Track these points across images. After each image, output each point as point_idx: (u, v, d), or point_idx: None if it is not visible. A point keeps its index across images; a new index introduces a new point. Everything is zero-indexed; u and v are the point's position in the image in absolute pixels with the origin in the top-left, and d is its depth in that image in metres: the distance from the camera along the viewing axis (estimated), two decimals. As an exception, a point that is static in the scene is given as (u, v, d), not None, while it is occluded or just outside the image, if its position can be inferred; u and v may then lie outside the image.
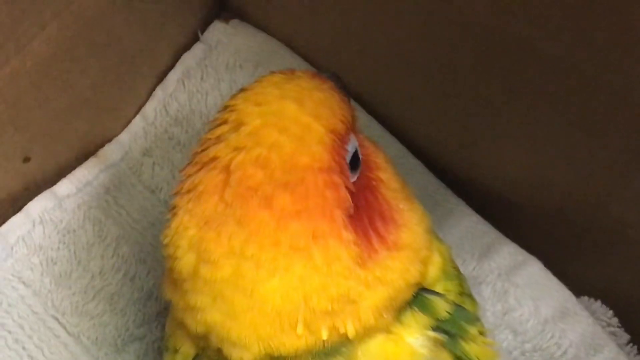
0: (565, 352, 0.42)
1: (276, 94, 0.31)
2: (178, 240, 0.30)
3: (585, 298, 0.45)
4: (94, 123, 0.45)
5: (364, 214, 0.31)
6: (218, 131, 0.31)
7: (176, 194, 0.31)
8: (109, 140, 0.46)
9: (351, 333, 0.29)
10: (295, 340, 0.29)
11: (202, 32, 0.49)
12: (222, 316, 0.29)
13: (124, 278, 0.43)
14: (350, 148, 0.31)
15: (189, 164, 0.31)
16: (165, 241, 0.30)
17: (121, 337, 0.42)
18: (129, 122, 0.47)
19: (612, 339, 0.43)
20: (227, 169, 0.29)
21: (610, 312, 0.44)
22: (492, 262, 0.44)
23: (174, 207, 0.30)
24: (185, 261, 0.30)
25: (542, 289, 0.43)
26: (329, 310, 0.28)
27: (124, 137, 0.46)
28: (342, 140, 0.30)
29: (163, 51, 0.48)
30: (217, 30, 0.49)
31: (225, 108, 0.31)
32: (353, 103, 0.38)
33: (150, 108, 0.46)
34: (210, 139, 0.31)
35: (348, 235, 0.29)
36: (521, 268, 0.44)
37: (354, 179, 0.31)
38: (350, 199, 0.29)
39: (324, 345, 0.29)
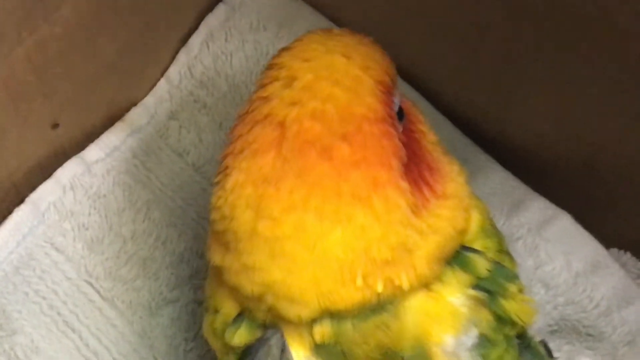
0: (597, 305, 0.41)
1: (322, 49, 0.31)
2: (235, 200, 0.29)
3: (615, 250, 0.44)
4: (120, 88, 0.45)
5: (413, 165, 0.30)
6: (269, 89, 0.30)
7: (226, 155, 0.30)
8: (135, 104, 0.45)
9: (405, 285, 0.28)
10: (353, 293, 0.28)
11: None
12: (282, 273, 0.28)
13: (155, 242, 0.42)
14: (396, 100, 0.31)
15: (237, 124, 0.30)
16: (219, 203, 0.30)
17: (155, 300, 0.41)
18: (154, 85, 0.46)
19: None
20: (282, 125, 0.29)
21: (641, 263, 0.43)
22: (522, 218, 0.43)
23: (225, 168, 0.30)
24: (243, 220, 0.29)
25: (572, 243, 0.43)
26: (389, 260, 0.28)
27: (149, 100, 0.45)
28: (389, 92, 0.30)
29: (186, 14, 0.47)
30: None
31: (272, 66, 0.31)
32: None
33: (174, 71, 0.46)
34: (260, 97, 0.30)
35: (405, 184, 0.29)
36: (551, 222, 0.43)
37: (400, 130, 0.31)
38: (404, 149, 0.29)
39: (378, 299, 0.29)
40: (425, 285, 0.30)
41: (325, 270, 0.28)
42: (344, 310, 0.29)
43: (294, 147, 0.28)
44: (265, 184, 0.29)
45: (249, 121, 0.30)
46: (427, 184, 0.30)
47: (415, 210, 0.29)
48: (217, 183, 0.30)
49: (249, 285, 0.29)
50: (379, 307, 0.29)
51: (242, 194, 0.29)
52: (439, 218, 0.30)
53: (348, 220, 0.28)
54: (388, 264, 0.28)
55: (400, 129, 0.31)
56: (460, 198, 0.31)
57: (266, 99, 0.30)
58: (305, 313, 0.29)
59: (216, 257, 0.31)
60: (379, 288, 0.28)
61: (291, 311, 0.29)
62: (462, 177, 0.32)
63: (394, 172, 0.28)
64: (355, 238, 0.28)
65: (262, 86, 0.31)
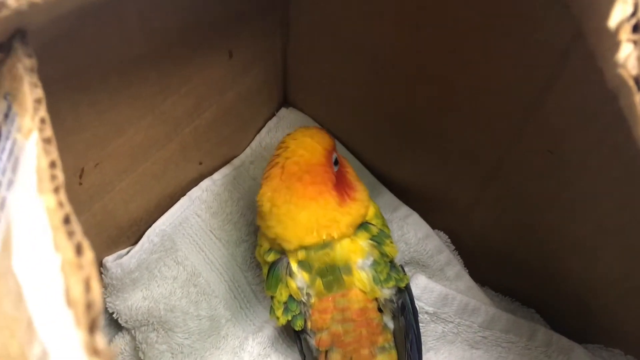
0: (427, 252, 0.58)
1: (301, 135, 0.48)
2: (264, 198, 0.46)
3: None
4: (230, 149, 0.61)
5: (340, 185, 0.46)
6: (278, 151, 0.47)
7: (263, 178, 0.47)
8: (236, 156, 0.62)
9: (336, 236, 0.45)
10: (312, 238, 0.45)
11: (277, 111, 0.64)
12: (282, 230, 0.45)
13: (240, 215, 0.59)
14: (334, 156, 0.47)
15: (267, 167, 0.47)
16: (258, 199, 0.47)
17: (239, 240, 0.59)
18: (245, 148, 0.62)
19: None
20: (283, 167, 0.45)
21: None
22: (396, 214, 0.60)
23: (261, 186, 0.47)
24: (266, 207, 0.46)
25: (418, 226, 0.60)
26: (326, 225, 0.44)
27: (241, 156, 0.62)
28: (330, 153, 0.47)
29: (260, 119, 0.63)
30: (284, 111, 0.64)
31: (281, 142, 0.48)
32: (342, 146, 0.60)
33: (254, 143, 0.62)
34: (275, 155, 0.47)
35: (334, 192, 0.45)
36: (409, 217, 0.60)
37: (335, 169, 0.47)
38: (334, 178, 0.46)
39: (323, 241, 0.45)
40: (349, 236, 0.46)
41: (299, 228, 0.44)
42: (308, 245, 0.45)
43: (286, 176, 0.45)
44: (275, 191, 0.45)
45: (271, 166, 0.46)
46: (347, 194, 0.46)
47: (340, 204, 0.45)
48: (260, 187, 0.46)
49: (270, 234, 0.45)
50: (325, 245, 0.45)
51: (266, 196, 0.45)
52: (352, 208, 0.46)
53: (307, 208, 0.44)
54: (326, 226, 0.44)
55: (335, 169, 0.46)
56: (363, 202, 0.47)
57: (277, 156, 0.46)
58: (292, 247, 0.45)
59: (258, 221, 0.47)
60: (324, 236, 0.44)
61: (285, 245, 0.45)
62: (365, 193, 0.48)
63: (328, 187, 0.44)
64: (311, 215, 0.44)
65: (277, 150, 0.47)
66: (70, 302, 0.16)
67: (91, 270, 0.16)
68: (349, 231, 0.45)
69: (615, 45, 0.21)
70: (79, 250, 0.17)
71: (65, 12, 0.27)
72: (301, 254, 0.45)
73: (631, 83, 0.21)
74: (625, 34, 0.21)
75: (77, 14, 0.34)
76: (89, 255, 0.16)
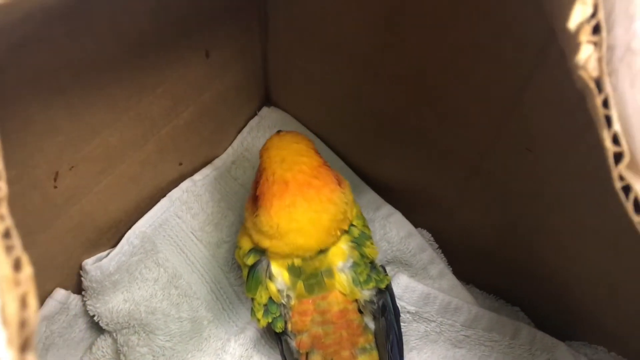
0: (410, 251, 0.58)
1: (287, 142, 0.47)
2: (279, 219, 0.43)
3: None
4: (210, 150, 0.61)
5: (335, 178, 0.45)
6: (273, 167, 0.44)
7: (263, 199, 0.44)
8: (217, 156, 0.62)
9: (346, 227, 0.45)
10: (331, 238, 0.44)
11: (258, 111, 0.63)
12: (304, 241, 0.44)
13: (221, 217, 0.58)
14: None
15: (262, 186, 0.44)
16: (268, 220, 0.43)
17: (220, 241, 0.58)
18: (226, 148, 0.62)
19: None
20: (286, 181, 0.43)
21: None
22: (378, 213, 0.60)
23: (270, 205, 0.43)
24: (283, 226, 0.43)
25: (400, 224, 0.59)
26: (342, 219, 0.44)
27: (223, 156, 0.62)
28: (316, 151, 0.47)
29: (242, 119, 0.63)
30: (265, 111, 0.63)
31: (269, 157, 0.46)
32: (324, 144, 0.60)
33: (236, 143, 0.62)
34: (270, 172, 0.44)
35: (338, 187, 0.45)
36: (392, 215, 0.60)
37: None
38: (332, 173, 0.45)
39: (334, 241, 0.45)
40: (335, 242, 0.45)
41: (322, 232, 0.44)
42: (327, 246, 0.45)
43: (296, 188, 0.43)
44: (290, 206, 0.43)
45: (269, 184, 0.44)
46: (340, 183, 0.46)
47: (343, 195, 0.45)
48: (263, 210, 0.44)
49: (287, 251, 0.44)
50: (324, 251, 0.45)
51: (278, 214, 0.43)
52: (347, 197, 0.46)
53: (327, 210, 0.43)
54: (341, 221, 0.44)
55: None
56: (349, 186, 0.47)
57: (273, 173, 0.44)
58: (312, 254, 0.45)
59: (265, 244, 0.45)
60: (339, 233, 0.45)
61: (303, 255, 0.45)
62: (349, 188, 0.47)
63: (335, 184, 0.44)
64: (330, 216, 0.44)
65: (268, 167, 0.45)
66: (4, 320, 0.15)
67: (29, 286, 0.16)
68: (352, 219, 0.46)
69: (576, 46, 0.21)
70: (17, 265, 0.16)
71: (27, 12, 0.27)
72: (297, 260, 0.45)
73: (592, 85, 0.21)
74: (585, 36, 0.21)
75: (44, 14, 0.34)
76: (27, 270, 0.16)
